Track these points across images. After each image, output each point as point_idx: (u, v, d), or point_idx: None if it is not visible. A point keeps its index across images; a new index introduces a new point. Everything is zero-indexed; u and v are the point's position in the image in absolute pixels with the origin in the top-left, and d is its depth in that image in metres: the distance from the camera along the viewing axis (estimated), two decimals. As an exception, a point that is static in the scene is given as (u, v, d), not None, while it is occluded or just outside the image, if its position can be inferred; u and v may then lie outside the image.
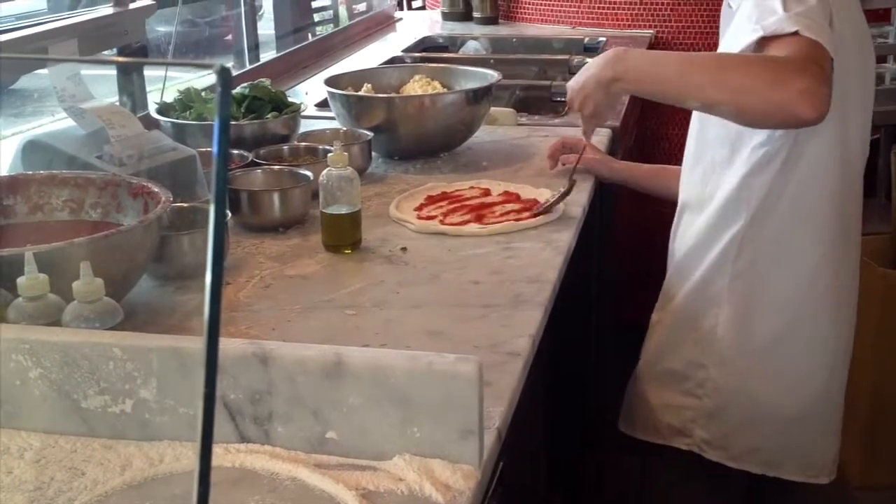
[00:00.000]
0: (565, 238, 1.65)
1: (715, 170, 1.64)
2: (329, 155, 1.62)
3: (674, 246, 1.77)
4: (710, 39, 3.19)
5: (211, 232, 0.41)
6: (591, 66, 1.61)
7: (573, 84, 1.67)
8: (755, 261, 1.62)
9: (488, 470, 1.03)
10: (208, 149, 1.82)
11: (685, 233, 1.73)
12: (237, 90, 2.04)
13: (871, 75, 1.66)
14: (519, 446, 1.32)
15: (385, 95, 2.17)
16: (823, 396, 1.69)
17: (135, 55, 2.23)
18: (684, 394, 1.72)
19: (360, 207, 1.62)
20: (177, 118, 1.98)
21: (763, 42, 1.41)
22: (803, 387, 1.66)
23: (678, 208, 1.77)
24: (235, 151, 1.85)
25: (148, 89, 2.32)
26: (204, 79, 2.75)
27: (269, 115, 2.01)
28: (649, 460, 1.82)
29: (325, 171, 1.60)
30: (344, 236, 1.61)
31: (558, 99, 2.78)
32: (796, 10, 1.39)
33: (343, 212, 1.60)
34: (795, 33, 1.37)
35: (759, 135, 1.54)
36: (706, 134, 1.65)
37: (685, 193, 1.74)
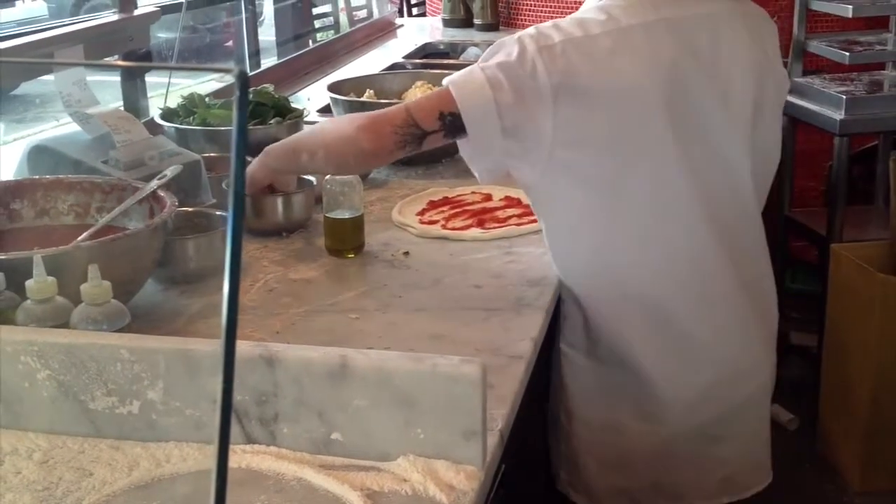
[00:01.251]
0: (566, 243, 1.66)
1: None
2: None
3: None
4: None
5: (230, 221, 0.42)
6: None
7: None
8: (586, 318, 1.55)
9: (491, 471, 1.04)
10: (212, 154, 1.83)
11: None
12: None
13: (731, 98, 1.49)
14: (520, 449, 1.33)
15: (387, 101, 2.18)
16: (683, 428, 1.58)
17: (141, 60, 2.24)
18: (551, 434, 1.67)
19: (363, 212, 1.64)
20: (180, 124, 2.00)
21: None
22: (657, 426, 1.57)
23: None
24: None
25: (150, 95, 2.34)
26: (206, 85, 2.77)
27: (272, 121, 2.03)
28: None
29: (327, 177, 1.62)
30: (346, 240, 1.62)
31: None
32: (491, 62, 1.41)
33: (346, 216, 1.61)
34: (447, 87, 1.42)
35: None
36: None
37: None
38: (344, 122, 1.56)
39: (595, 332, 1.54)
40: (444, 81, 1.44)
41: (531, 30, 1.42)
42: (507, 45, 1.41)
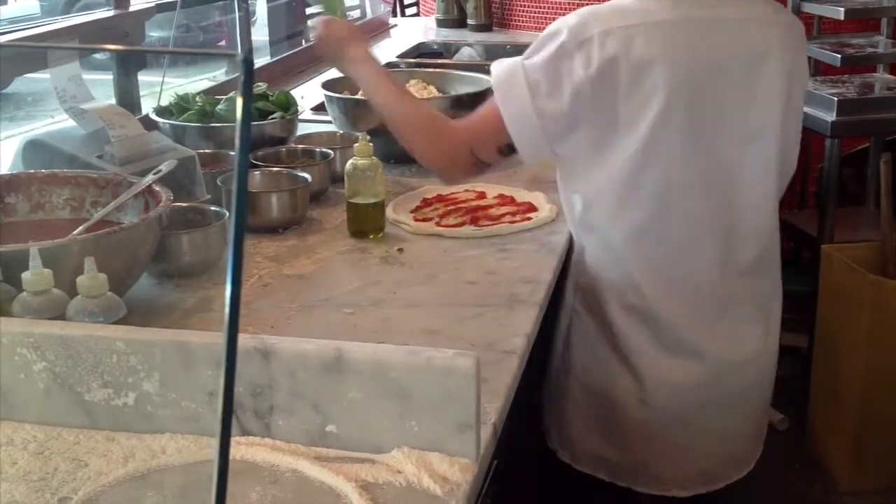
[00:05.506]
0: (559, 240, 1.67)
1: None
2: (355, 145, 1.70)
3: None
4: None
5: (234, 206, 0.43)
6: (342, 30, 1.74)
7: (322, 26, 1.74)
8: (595, 284, 1.60)
9: (485, 464, 1.04)
10: (207, 150, 1.84)
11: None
12: (233, 94, 2.06)
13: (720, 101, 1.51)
14: (513, 444, 1.34)
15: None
16: (672, 412, 1.61)
17: (135, 57, 2.24)
18: (545, 391, 1.72)
19: (384, 198, 1.71)
20: (175, 121, 2.00)
21: None
22: (647, 405, 1.60)
23: None
24: (234, 153, 1.87)
25: (142, 94, 2.34)
26: (197, 84, 2.77)
27: (275, 115, 2.04)
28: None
29: (350, 161, 1.69)
30: (370, 224, 1.69)
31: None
32: (534, 58, 1.48)
33: (369, 201, 1.67)
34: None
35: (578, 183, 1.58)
36: None
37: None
38: (428, 129, 1.61)
39: (609, 301, 1.58)
40: (494, 82, 1.51)
41: (572, 19, 1.47)
42: (551, 39, 1.47)
